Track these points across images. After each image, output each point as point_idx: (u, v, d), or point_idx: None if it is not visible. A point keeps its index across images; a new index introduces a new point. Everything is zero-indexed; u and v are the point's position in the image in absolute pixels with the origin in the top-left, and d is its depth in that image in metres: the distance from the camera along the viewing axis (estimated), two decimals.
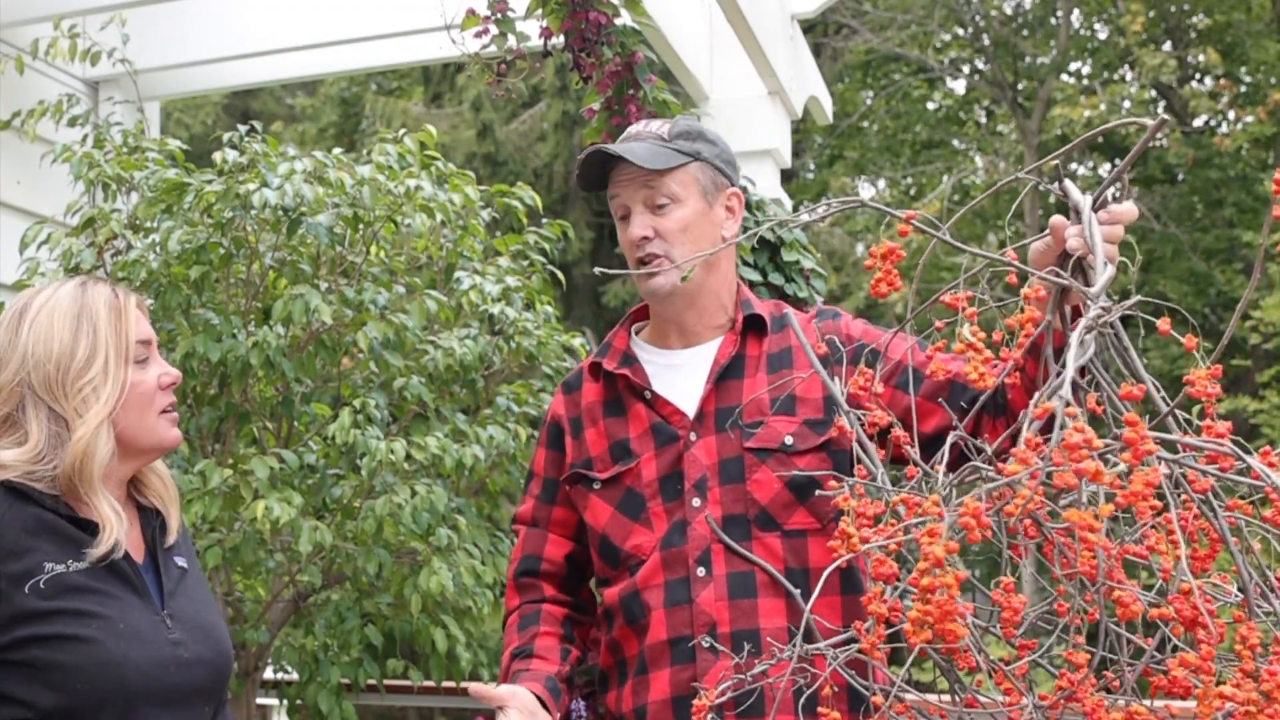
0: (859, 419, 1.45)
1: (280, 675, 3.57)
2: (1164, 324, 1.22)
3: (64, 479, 1.59)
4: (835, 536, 1.26)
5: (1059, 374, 1.10)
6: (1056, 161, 1.41)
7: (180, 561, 1.73)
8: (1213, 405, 1.17)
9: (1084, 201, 1.35)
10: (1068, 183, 1.39)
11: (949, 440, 1.35)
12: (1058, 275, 1.34)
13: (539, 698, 1.79)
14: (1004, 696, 1.23)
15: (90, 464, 1.59)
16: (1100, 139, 12.88)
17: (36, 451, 1.59)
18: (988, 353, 1.31)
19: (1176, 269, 12.78)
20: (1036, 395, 1.17)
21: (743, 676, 1.46)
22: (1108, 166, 13.84)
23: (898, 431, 1.44)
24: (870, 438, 1.50)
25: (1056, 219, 1.41)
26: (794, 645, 1.35)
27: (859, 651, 1.26)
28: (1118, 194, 1.42)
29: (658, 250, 1.84)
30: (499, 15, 2.91)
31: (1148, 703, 1.17)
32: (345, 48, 4.25)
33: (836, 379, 1.62)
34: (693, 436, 1.84)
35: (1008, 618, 1.14)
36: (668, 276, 1.83)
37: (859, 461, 1.40)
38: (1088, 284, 1.32)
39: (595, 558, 1.91)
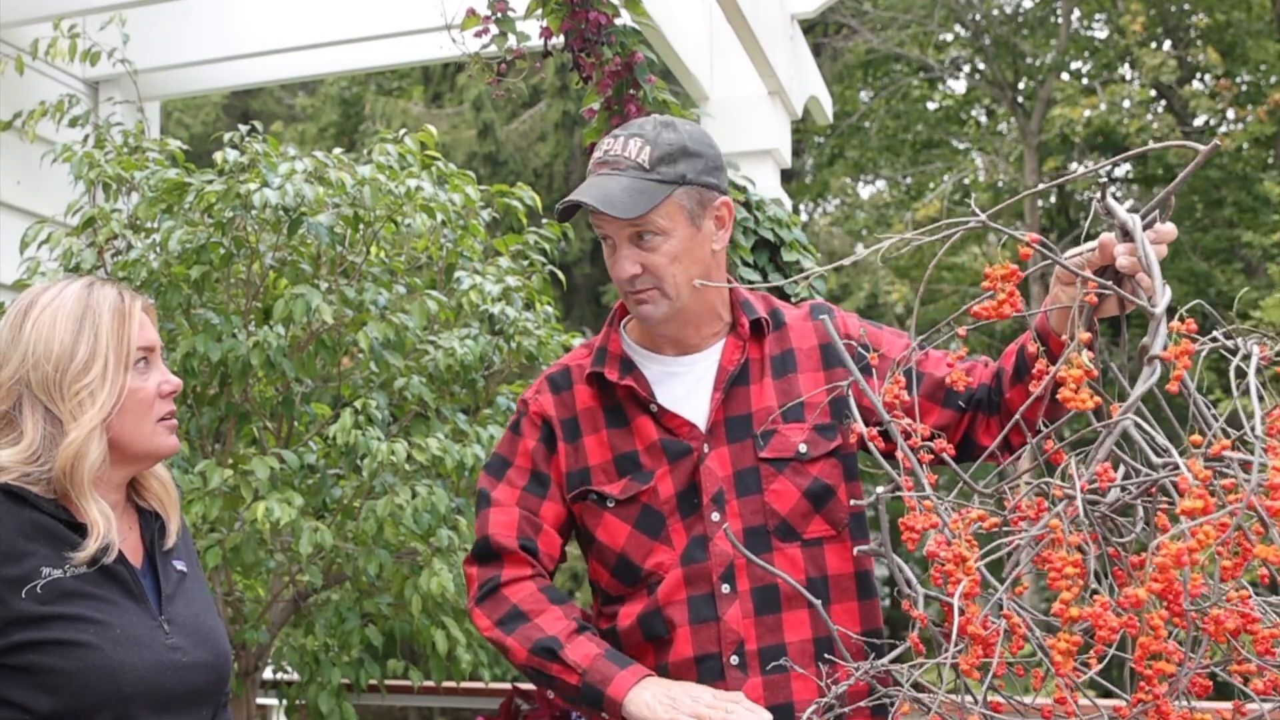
0: (897, 430, 1.45)
1: (280, 675, 3.58)
2: None
3: (56, 481, 1.59)
4: (932, 558, 1.27)
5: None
6: (1104, 180, 1.45)
7: (179, 565, 1.72)
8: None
9: (1135, 222, 1.42)
10: (1112, 202, 1.45)
11: (991, 446, 1.39)
12: (1121, 290, 1.42)
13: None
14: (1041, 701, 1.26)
15: (81, 467, 1.58)
16: (1101, 138, 12.88)
17: (31, 452, 1.58)
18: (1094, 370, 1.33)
19: (1176, 269, 12.77)
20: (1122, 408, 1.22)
21: (832, 701, 1.43)
22: (1108, 167, 13.83)
23: (940, 443, 1.45)
24: (877, 443, 1.51)
25: (1106, 237, 1.48)
26: (870, 660, 1.36)
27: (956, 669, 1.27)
28: (1161, 214, 1.48)
29: (647, 284, 1.77)
30: (499, 15, 2.91)
31: (1205, 704, 1.21)
32: (345, 48, 4.25)
33: (846, 386, 1.62)
34: (705, 449, 1.81)
35: (1103, 637, 1.16)
36: (657, 306, 1.79)
37: (909, 473, 1.40)
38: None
39: (607, 576, 1.86)
